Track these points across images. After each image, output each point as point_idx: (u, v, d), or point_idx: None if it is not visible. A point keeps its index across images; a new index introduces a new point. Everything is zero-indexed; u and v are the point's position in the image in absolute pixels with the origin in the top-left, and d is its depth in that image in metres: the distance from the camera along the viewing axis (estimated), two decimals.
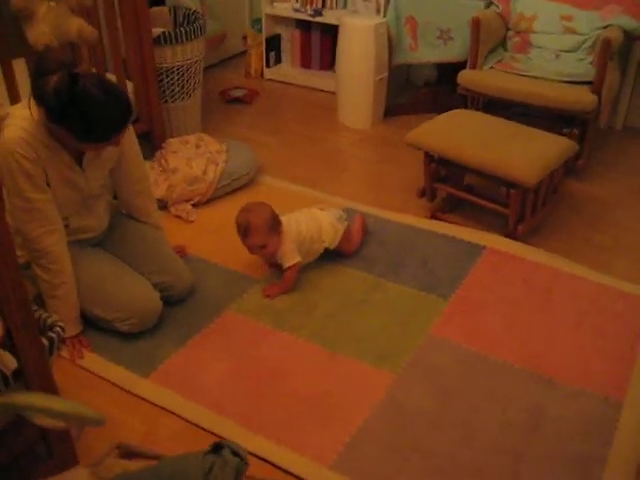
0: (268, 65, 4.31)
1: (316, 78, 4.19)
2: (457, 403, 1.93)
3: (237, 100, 4.00)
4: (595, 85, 2.89)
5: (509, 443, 1.80)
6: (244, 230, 2.28)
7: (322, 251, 2.46)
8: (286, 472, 1.73)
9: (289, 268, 2.34)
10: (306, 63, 4.27)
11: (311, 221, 2.42)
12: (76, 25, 2.38)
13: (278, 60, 4.36)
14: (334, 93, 3.84)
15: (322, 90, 4.15)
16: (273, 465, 1.75)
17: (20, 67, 2.49)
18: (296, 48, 4.25)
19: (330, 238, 2.43)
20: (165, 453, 1.75)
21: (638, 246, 2.68)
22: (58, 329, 1.63)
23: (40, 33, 2.26)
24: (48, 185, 1.95)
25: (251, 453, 1.77)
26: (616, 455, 1.76)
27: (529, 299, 2.35)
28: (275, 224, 2.30)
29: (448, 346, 2.14)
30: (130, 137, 2.16)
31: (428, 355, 2.10)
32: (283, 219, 2.36)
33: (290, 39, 4.25)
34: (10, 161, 1.85)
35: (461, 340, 2.16)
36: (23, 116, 1.88)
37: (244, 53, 4.50)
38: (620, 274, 2.50)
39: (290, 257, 2.34)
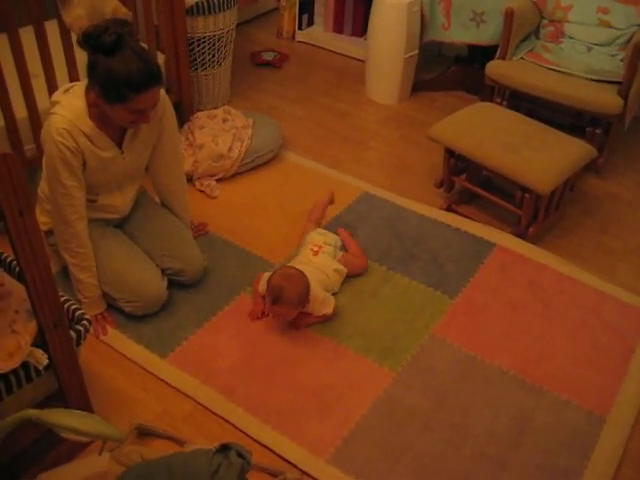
0: (300, 27, 4.29)
1: (347, 44, 4.17)
2: (450, 406, 2.07)
3: (267, 64, 4.02)
4: (623, 87, 2.88)
5: (494, 451, 1.94)
6: (275, 298, 2.16)
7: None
8: (287, 462, 1.90)
9: (318, 316, 2.29)
10: (338, 28, 4.25)
11: (316, 273, 2.34)
12: (111, 6, 2.42)
13: (310, 23, 4.34)
14: (363, 61, 3.84)
15: (352, 57, 4.14)
16: (275, 454, 1.91)
17: (52, 29, 2.52)
18: (329, 12, 4.21)
19: (337, 283, 2.42)
20: (180, 435, 1.92)
21: None
22: (85, 322, 1.78)
23: (76, 16, 2.31)
24: (84, 169, 2.08)
25: (256, 440, 1.95)
26: (592, 470, 1.90)
27: (531, 304, 2.45)
28: (306, 299, 2.21)
29: (448, 347, 2.26)
30: (170, 122, 2.28)
31: (428, 355, 2.23)
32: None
33: (324, 2, 4.21)
34: (52, 148, 1.99)
35: (461, 342, 2.28)
36: (70, 107, 2.00)
37: (276, 10, 4.47)
38: (623, 280, 2.59)
39: (325, 305, 2.28)
